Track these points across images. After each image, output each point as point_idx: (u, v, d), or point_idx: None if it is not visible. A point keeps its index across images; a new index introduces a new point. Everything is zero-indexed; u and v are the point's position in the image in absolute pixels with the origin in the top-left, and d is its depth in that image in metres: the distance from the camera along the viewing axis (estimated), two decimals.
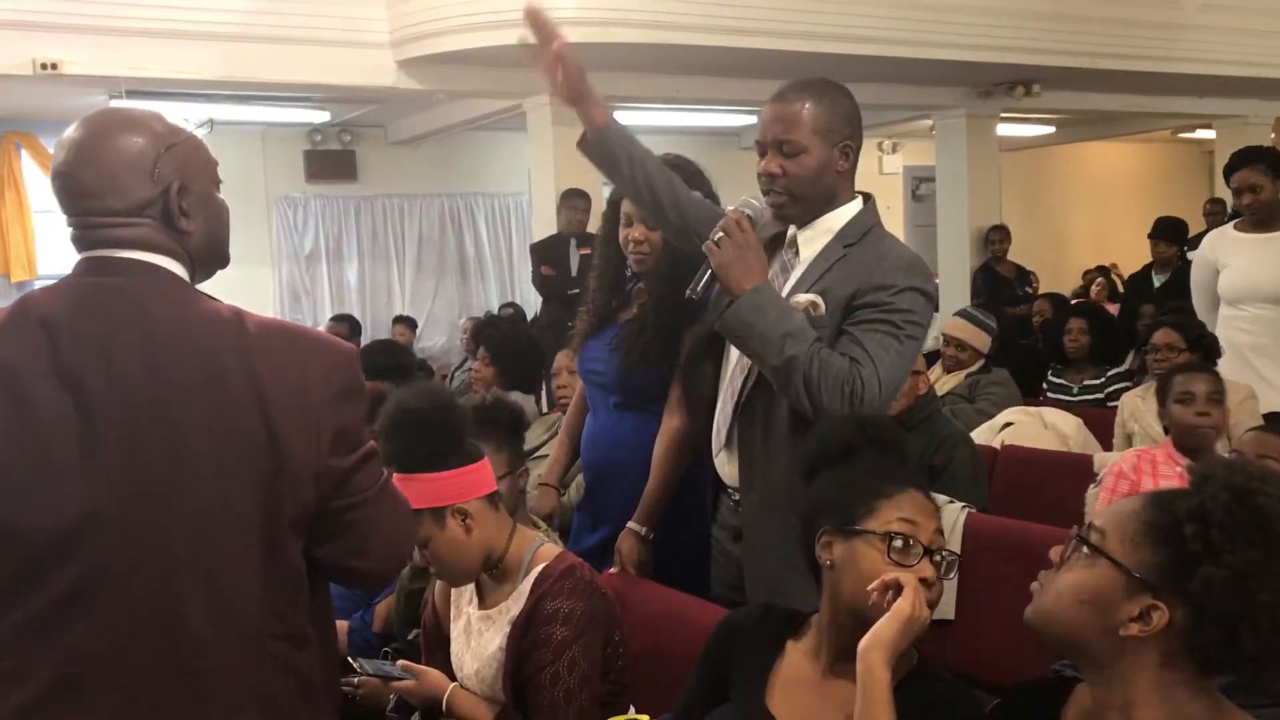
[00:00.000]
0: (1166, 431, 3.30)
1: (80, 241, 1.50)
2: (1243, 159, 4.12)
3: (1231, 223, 4.27)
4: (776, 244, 2.31)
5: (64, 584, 1.40)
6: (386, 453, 2.03)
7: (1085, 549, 1.32)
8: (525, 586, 2.13)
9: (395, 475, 1.79)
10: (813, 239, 2.23)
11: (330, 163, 9.08)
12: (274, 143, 8.84)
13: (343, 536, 1.52)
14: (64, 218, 1.51)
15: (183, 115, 1.65)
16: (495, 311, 8.90)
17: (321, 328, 7.45)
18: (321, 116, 8.15)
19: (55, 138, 6.05)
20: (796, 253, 2.26)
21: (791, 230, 2.28)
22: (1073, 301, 8.91)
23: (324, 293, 9.14)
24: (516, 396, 4.03)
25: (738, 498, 2.30)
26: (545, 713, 2.04)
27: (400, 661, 2.21)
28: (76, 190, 1.48)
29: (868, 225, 2.21)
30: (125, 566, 1.40)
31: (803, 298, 2.14)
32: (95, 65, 5.36)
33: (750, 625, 1.84)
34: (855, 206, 2.24)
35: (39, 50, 5.19)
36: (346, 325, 7.00)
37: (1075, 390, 5.17)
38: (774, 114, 2.19)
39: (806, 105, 2.17)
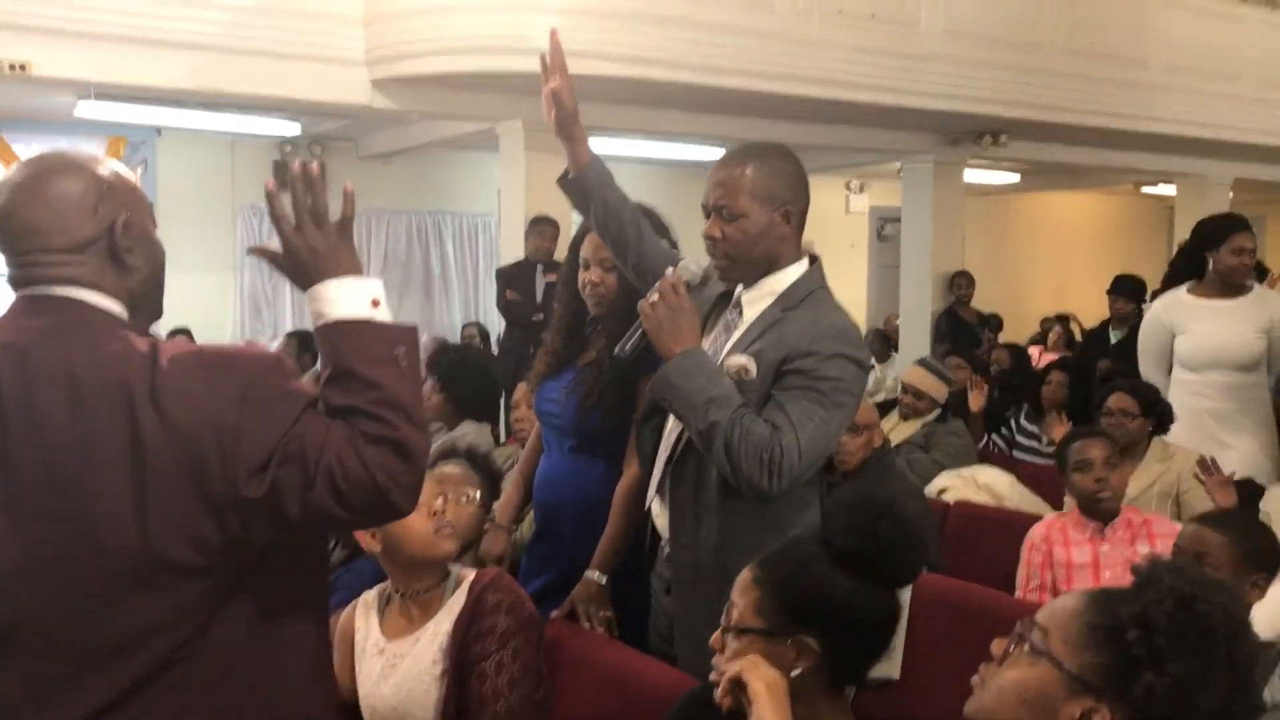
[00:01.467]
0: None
1: (18, 281, 1.50)
2: (1238, 223, 4.09)
3: (1184, 287, 4.28)
4: (725, 301, 2.33)
5: None
6: None
7: (1027, 647, 1.33)
8: (458, 595, 2.20)
9: None
10: (756, 300, 2.26)
11: None
12: (243, 152, 8.78)
13: (288, 474, 1.42)
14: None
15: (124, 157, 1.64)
16: (460, 329, 8.89)
17: (279, 341, 7.38)
18: (292, 129, 8.09)
19: (19, 134, 6.03)
20: (740, 313, 2.28)
21: (738, 290, 2.30)
22: (1031, 349, 9.04)
23: (286, 304, 9.05)
24: (469, 426, 4.02)
25: (669, 550, 2.32)
26: (489, 702, 2.08)
27: None
28: (19, 230, 1.48)
29: (809, 289, 2.23)
30: (47, 610, 1.40)
31: (734, 361, 2.17)
32: (64, 68, 5.30)
33: (701, 707, 1.85)
34: (799, 269, 2.26)
35: (8, 51, 5.12)
36: (297, 340, 6.90)
37: (1045, 442, 5.20)
38: (716, 179, 2.22)
39: (747, 171, 2.20)
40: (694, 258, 2.38)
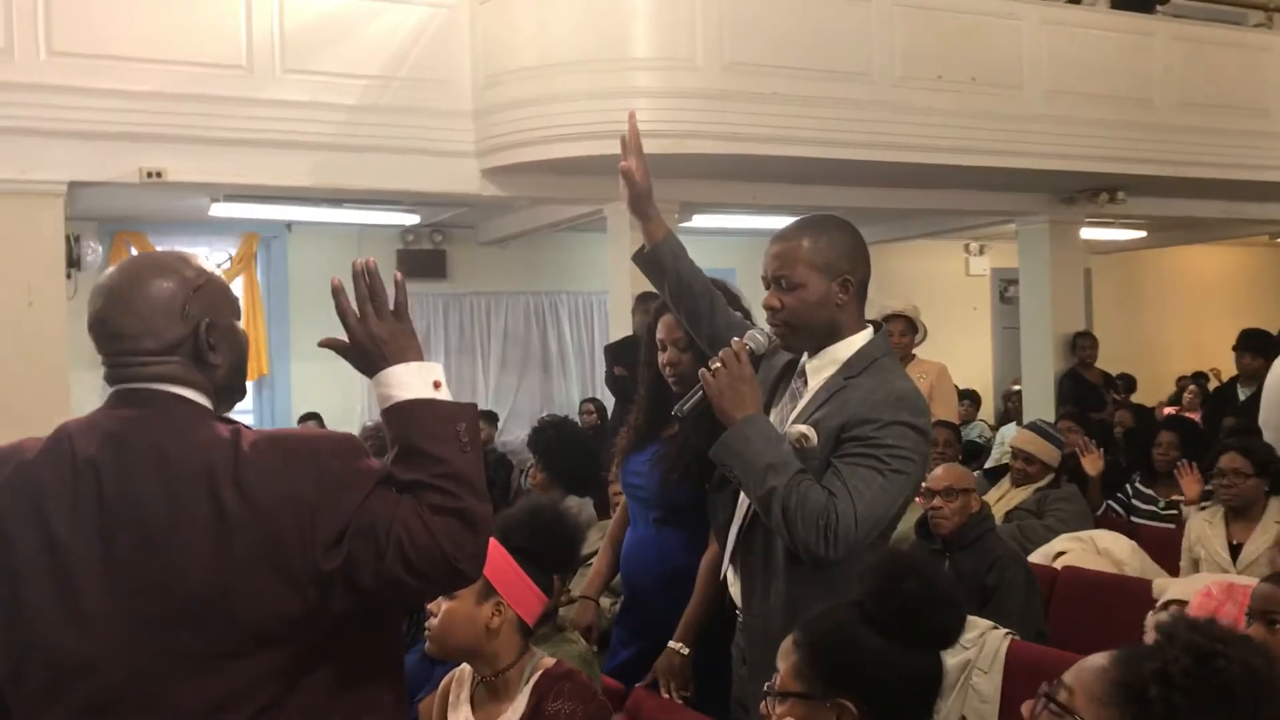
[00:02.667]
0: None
1: (114, 378, 1.63)
2: None
3: None
4: (791, 371, 2.37)
5: (89, 697, 1.51)
6: (507, 518, 2.23)
7: (1053, 706, 1.33)
8: (525, 694, 2.19)
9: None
10: (820, 369, 2.29)
11: (422, 261, 9.36)
12: (369, 243, 9.16)
13: (361, 546, 1.50)
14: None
15: (205, 254, 1.78)
16: (578, 406, 9.04)
17: None
18: (412, 219, 8.44)
19: (161, 236, 6.40)
20: (805, 382, 2.32)
21: (803, 359, 2.34)
22: (1165, 409, 8.74)
23: None
24: (571, 500, 4.11)
25: (742, 619, 2.33)
26: None
27: None
28: (113, 333, 1.62)
29: (873, 356, 2.25)
30: (146, 677, 1.50)
31: (794, 430, 2.20)
32: (196, 173, 5.66)
33: None
34: (863, 338, 2.28)
35: (145, 159, 5.50)
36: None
37: (1161, 505, 5.05)
38: (774, 251, 2.28)
39: (804, 242, 2.25)
40: (763, 328, 2.42)
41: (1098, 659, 1.34)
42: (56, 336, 5.34)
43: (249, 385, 7.87)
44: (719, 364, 2.19)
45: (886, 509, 2.13)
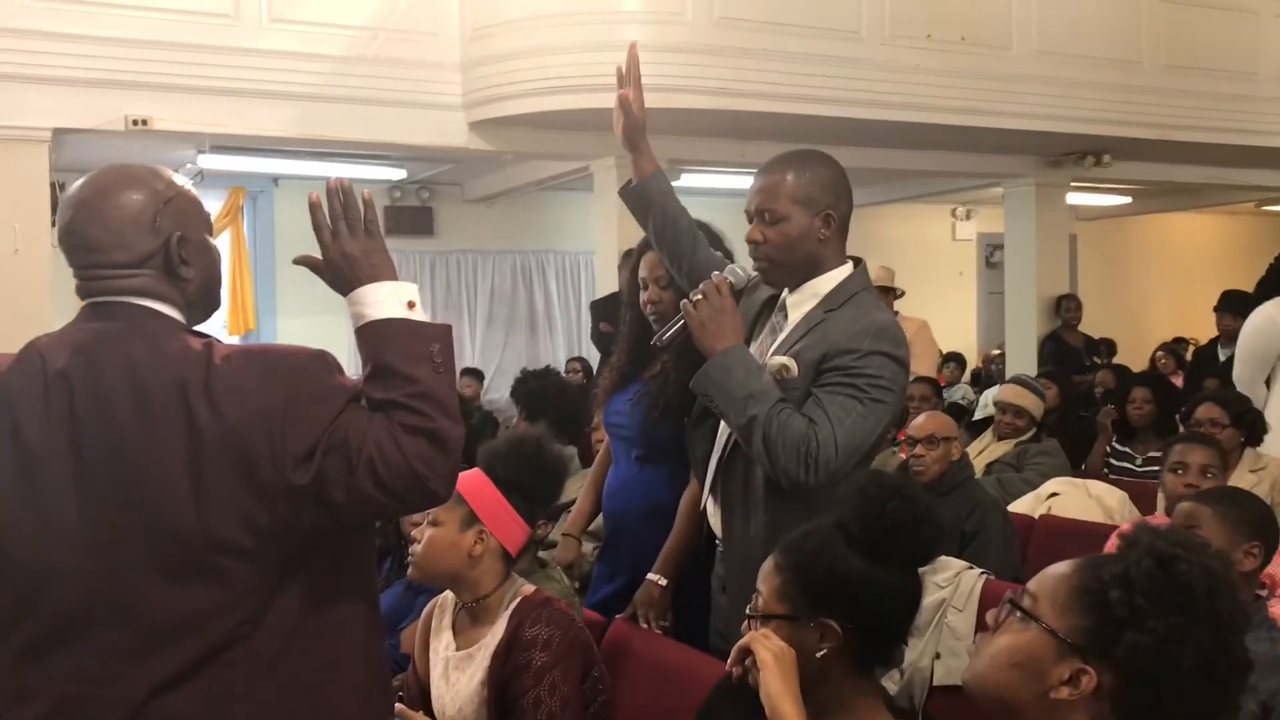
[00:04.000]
0: None
1: (85, 291, 1.63)
2: None
3: None
4: (772, 305, 2.39)
5: (63, 608, 1.53)
6: (491, 448, 2.23)
7: (1018, 613, 1.36)
8: (504, 619, 2.22)
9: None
10: (800, 303, 2.31)
11: (409, 218, 9.34)
12: None
13: (332, 462, 1.51)
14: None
15: (174, 166, 1.77)
16: (564, 364, 9.06)
17: None
18: (399, 174, 8.41)
19: None
20: (785, 315, 2.34)
21: (784, 293, 2.35)
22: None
23: None
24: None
25: (722, 549, 2.36)
26: None
27: (397, 705, 2.29)
28: (83, 245, 1.61)
29: (853, 290, 2.28)
30: (116, 589, 1.52)
31: (775, 361, 2.22)
32: (183, 121, 5.61)
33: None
34: (844, 271, 2.31)
35: (130, 107, 5.46)
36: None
37: (1139, 461, 5.10)
38: (758, 185, 2.29)
39: (788, 177, 2.26)
40: (743, 264, 2.44)
41: (1061, 566, 1.37)
42: (42, 283, 5.33)
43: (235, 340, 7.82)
44: (700, 296, 2.21)
45: (865, 437, 2.15)
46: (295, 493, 1.51)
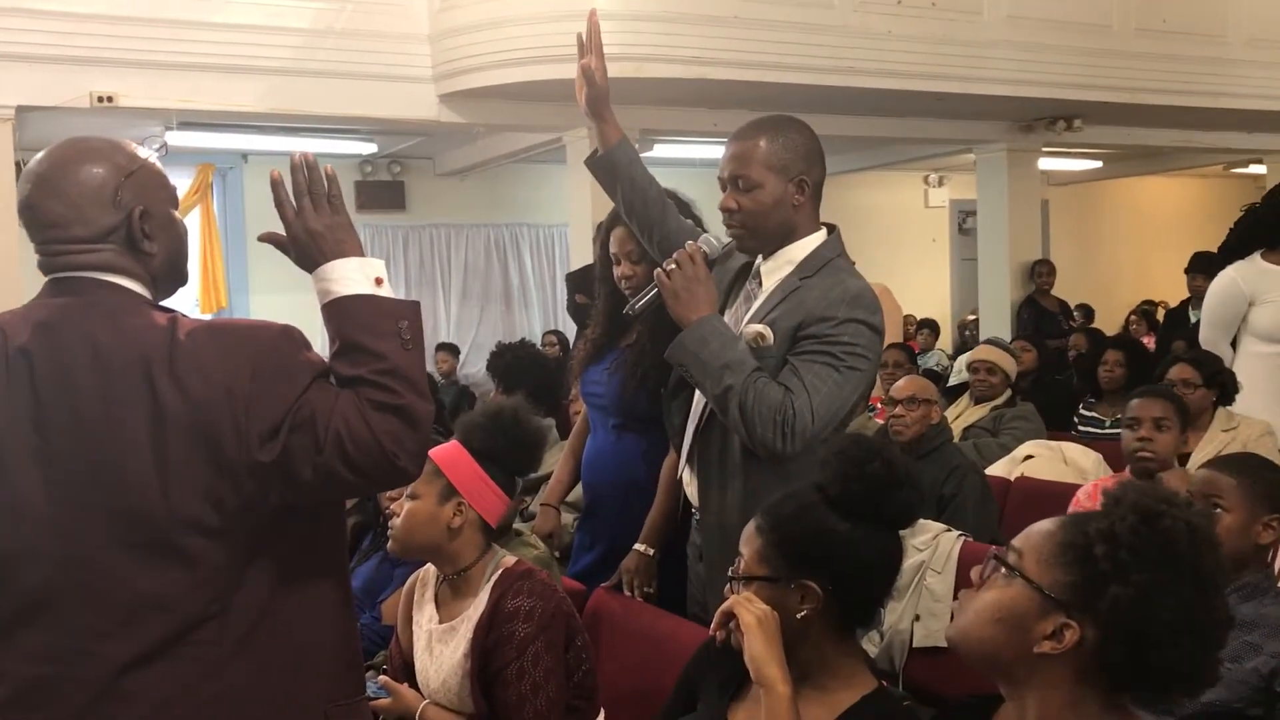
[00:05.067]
0: None
1: (46, 267, 1.60)
2: None
3: (1258, 253, 4.19)
4: (746, 274, 2.38)
5: (29, 588, 1.51)
6: (468, 420, 2.23)
7: (1003, 569, 1.37)
8: (486, 591, 2.22)
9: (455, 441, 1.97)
10: (774, 270, 2.31)
11: (380, 193, 9.28)
12: None
13: (299, 439, 1.50)
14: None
15: (138, 140, 1.73)
16: (540, 338, 9.05)
17: None
18: (369, 148, 8.34)
19: None
20: (759, 283, 2.33)
21: (758, 261, 2.35)
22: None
23: None
24: None
25: (699, 518, 2.37)
26: (515, 708, 2.12)
27: (380, 678, 2.29)
28: (43, 221, 1.58)
29: (827, 257, 2.27)
30: (82, 567, 1.50)
31: (750, 329, 2.22)
32: (149, 98, 5.55)
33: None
34: (818, 238, 2.30)
35: (96, 83, 5.39)
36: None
37: (1107, 424, 5.14)
38: (731, 151, 2.27)
39: (761, 143, 2.25)
40: (717, 234, 2.44)
41: (1046, 524, 1.38)
42: (7, 262, 5.26)
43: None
44: (674, 265, 2.20)
45: (842, 404, 2.16)
46: (261, 470, 1.49)
